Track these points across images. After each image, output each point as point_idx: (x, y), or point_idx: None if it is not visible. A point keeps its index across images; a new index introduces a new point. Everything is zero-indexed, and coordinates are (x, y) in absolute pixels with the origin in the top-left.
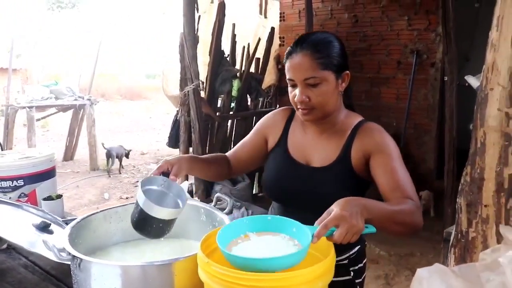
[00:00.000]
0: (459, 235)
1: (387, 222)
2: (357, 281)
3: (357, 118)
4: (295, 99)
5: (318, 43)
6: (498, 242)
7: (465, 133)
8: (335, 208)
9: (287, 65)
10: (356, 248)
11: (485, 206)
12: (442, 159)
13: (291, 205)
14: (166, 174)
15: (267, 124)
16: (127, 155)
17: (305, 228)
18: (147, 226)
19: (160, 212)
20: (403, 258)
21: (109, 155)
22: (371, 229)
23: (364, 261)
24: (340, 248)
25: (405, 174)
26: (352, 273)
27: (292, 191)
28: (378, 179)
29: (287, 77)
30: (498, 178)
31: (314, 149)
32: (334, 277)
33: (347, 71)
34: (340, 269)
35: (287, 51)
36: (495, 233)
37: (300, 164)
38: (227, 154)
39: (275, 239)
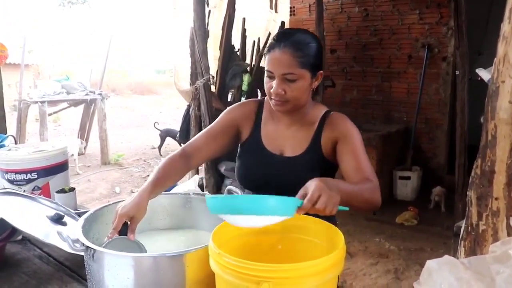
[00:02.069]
0: (469, 228)
1: (353, 200)
2: None
3: (322, 109)
4: (272, 90)
5: (300, 42)
6: (509, 235)
7: (476, 128)
8: (312, 183)
9: (268, 57)
10: None
11: (496, 199)
12: (453, 154)
13: (267, 193)
14: (125, 224)
15: (240, 115)
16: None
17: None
18: None
19: None
20: (413, 253)
21: (162, 135)
22: (343, 208)
23: None
24: None
25: (366, 157)
26: None
27: (267, 181)
28: (343, 162)
29: (266, 68)
30: (509, 171)
31: (286, 139)
32: None
33: (321, 71)
34: None
35: (269, 44)
36: (505, 226)
37: (274, 155)
38: (184, 147)
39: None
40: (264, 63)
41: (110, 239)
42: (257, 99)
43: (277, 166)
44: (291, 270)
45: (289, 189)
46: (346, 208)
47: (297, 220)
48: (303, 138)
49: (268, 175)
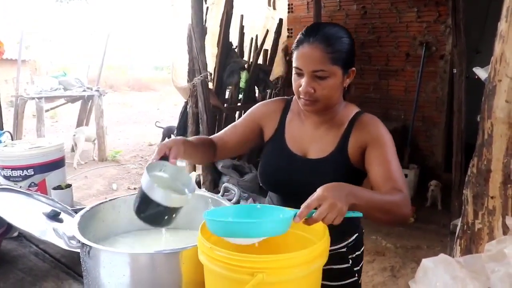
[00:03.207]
0: (465, 226)
1: (374, 210)
2: (355, 268)
3: (353, 110)
4: (300, 89)
5: (331, 37)
6: (504, 233)
7: (473, 126)
8: (318, 191)
9: (296, 53)
10: (354, 236)
11: (492, 197)
12: (450, 152)
13: (288, 195)
14: (165, 158)
15: (263, 114)
16: None
17: (290, 212)
18: (150, 212)
19: (163, 198)
20: (409, 251)
21: (164, 133)
22: (357, 213)
23: (362, 249)
24: (338, 236)
25: (398, 166)
26: (350, 261)
27: (289, 183)
28: (372, 169)
29: (294, 65)
30: (505, 170)
31: (311, 140)
32: (333, 264)
33: (354, 68)
34: (338, 256)
35: (298, 39)
36: (501, 224)
37: (297, 156)
38: (213, 137)
39: None
40: (261, 60)
41: (153, 162)
42: (286, 97)
43: (300, 168)
44: (277, 260)
45: (312, 192)
46: (359, 214)
47: None
48: (330, 140)
49: (290, 177)
